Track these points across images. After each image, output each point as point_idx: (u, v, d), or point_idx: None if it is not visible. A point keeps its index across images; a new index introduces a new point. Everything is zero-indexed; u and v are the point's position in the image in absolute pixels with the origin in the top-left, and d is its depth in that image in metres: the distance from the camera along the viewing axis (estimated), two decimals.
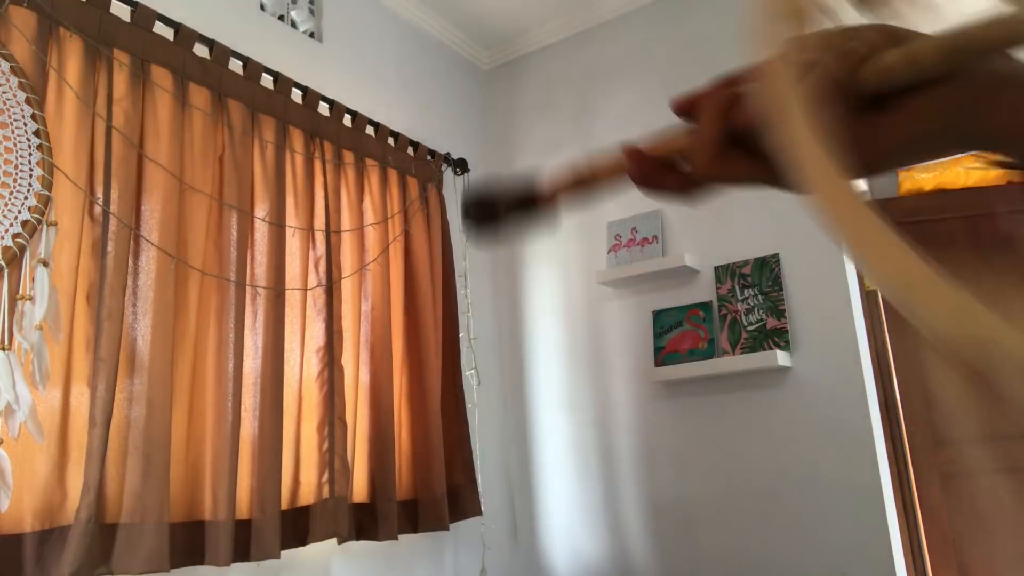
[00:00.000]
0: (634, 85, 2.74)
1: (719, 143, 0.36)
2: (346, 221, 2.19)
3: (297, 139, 2.06)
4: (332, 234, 2.10)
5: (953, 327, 0.23)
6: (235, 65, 1.92)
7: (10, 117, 1.39)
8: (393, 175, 2.39)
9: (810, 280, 2.23)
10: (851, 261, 1.78)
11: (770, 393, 2.29)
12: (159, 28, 1.73)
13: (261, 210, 1.90)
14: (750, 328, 2.34)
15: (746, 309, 2.36)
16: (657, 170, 0.39)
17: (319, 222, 2.08)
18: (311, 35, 2.36)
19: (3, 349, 1.30)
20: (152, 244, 1.62)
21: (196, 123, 1.77)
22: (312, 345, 2.01)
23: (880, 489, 2.06)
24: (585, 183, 0.42)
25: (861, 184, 2.61)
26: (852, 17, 0.34)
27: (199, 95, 1.79)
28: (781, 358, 2.21)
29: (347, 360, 2.09)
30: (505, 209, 0.44)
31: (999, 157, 0.31)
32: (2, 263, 1.33)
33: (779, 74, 0.30)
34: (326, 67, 2.35)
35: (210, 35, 1.87)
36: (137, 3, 1.68)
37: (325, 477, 1.94)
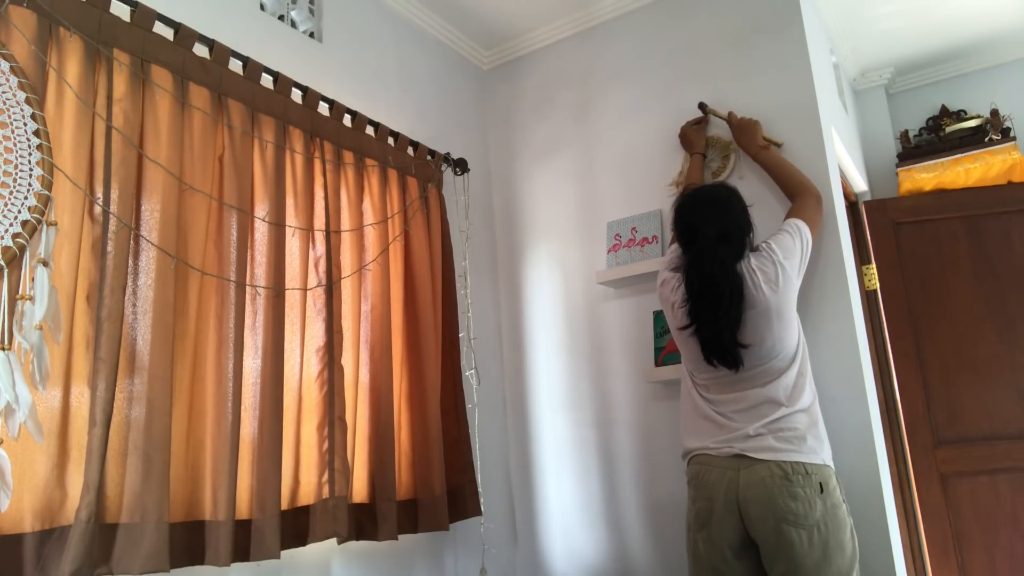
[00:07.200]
0: (634, 85, 2.74)
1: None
2: (346, 221, 2.19)
3: (297, 139, 2.06)
4: (332, 234, 2.10)
5: None
6: (235, 65, 1.92)
7: (10, 117, 1.39)
8: (393, 175, 2.39)
9: (810, 280, 2.23)
10: None
11: None
12: (159, 28, 1.73)
13: (261, 210, 1.90)
14: None
15: None
16: None
17: (319, 222, 2.08)
18: (311, 35, 2.36)
19: (3, 349, 1.30)
20: (152, 244, 1.62)
21: (196, 123, 1.77)
22: (312, 345, 2.01)
23: (880, 489, 2.05)
24: None
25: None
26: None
27: (199, 95, 1.79)
28: None
29: (347, 360, 2.09)
30: None
31: None
32: (2, 263, 1.33)
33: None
34: (326, 67, 2.35)
35: (210, 35, 1.87)
36: (137, 3, 1.68)
37: (325, 477, 1.94)
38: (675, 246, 2.07)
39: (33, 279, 1.36)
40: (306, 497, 1.92)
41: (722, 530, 1.78)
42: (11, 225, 1.35)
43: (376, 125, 2.36)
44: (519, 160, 3.02)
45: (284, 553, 1.81)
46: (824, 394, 2.09)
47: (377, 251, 2.25)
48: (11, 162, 1.38)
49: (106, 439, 1.45)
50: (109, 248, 1.53)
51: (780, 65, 2.41)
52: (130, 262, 1.58)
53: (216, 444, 1.68)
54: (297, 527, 1.87)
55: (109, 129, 1.58)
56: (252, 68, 1.94)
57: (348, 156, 2.23)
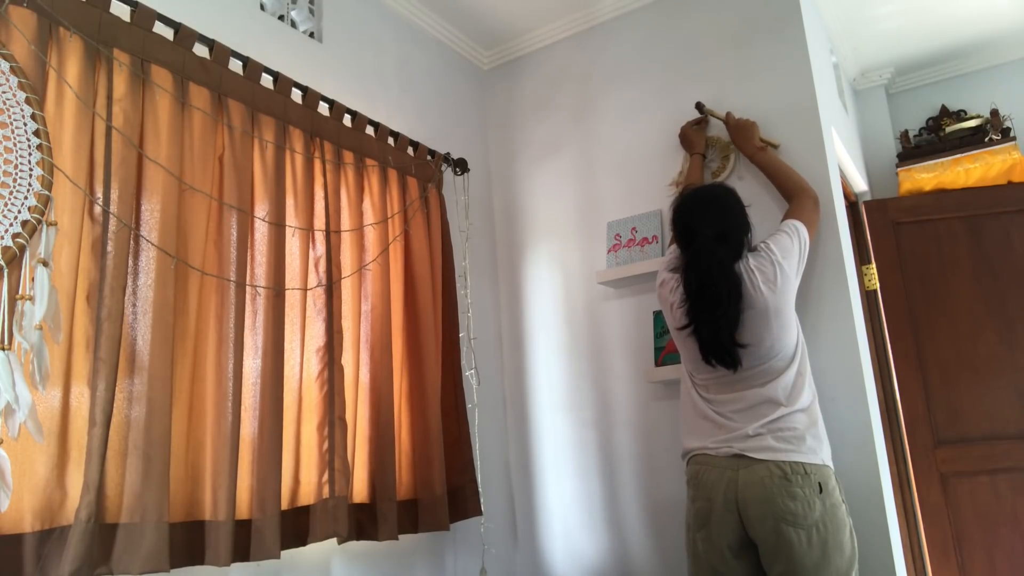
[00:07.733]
0: (634, 85, 2.74)
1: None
2: (346, 221, 2.19)
3: (297, 139, 2.06)
4: (332, 234, 2.10)
5: None
6: (235, 65, 1.92)
7: (10, 117, 1.39)
8: (393, 175, 2.39)
9: (810, 280, 2.23)
10: None
11: None
12: (159, 28, 1.73)
13: (261, 210, 1.90)
14: None
15: None
16: None
17: (319, 222, 2.08)
18: (311, 35, 2.36)
19: (3, 349, 1.30)
20: (152, 244, 1.62)
21: (196, 123, 1.77)
22: (312, 345, 2.01)
23: (880, 489, 2.05)
24: None
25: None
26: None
27: (199, 95, 1.79)
28: None
29: (347, 360, 2.09)
30: None
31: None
32: (2, 263, 1.33)
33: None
34: (326, 67, 2.35)
35: (210, 35, 1.87)
36: (137, 3, 1.68)
37: (325, 477, 1.94)
38: (674, 247, 2.07)
39: (33, 279, 1.36)
40: (306, 497, 1.92)
41: (721, 530, 1.78)
42: (11, 225, 1.35)
43: (376, 125, 2.36)
44: (519, 160, 3.02)
45: (284, 553, 1.81)
46: (824, 394, 2.09)
47: (377, 251, 2.25)
48: (11, 162, 1.38)
49: (106, 439, 1.46)
50: (109, 248, 1.54)
51: (780, 65, 2.41)
52: (130, 262, 1.58)
53: (216, 444, 1.68)
54: (297, 527, 1.87)
55: (109, 129, 1.58)
56: (252, 68, 1.94)
57: (348, 156, 2.23)
